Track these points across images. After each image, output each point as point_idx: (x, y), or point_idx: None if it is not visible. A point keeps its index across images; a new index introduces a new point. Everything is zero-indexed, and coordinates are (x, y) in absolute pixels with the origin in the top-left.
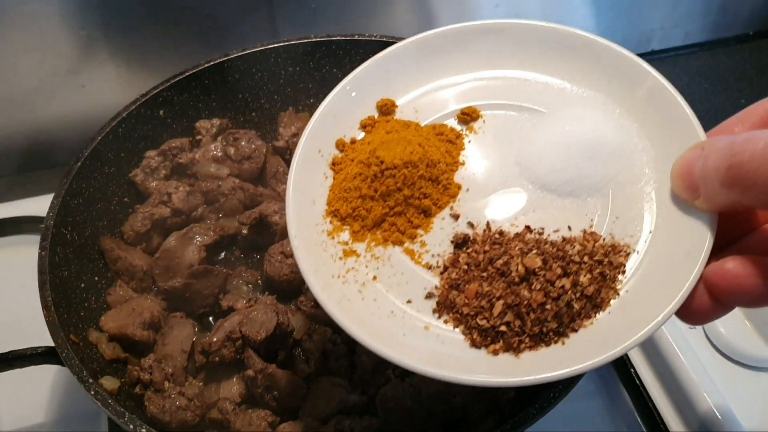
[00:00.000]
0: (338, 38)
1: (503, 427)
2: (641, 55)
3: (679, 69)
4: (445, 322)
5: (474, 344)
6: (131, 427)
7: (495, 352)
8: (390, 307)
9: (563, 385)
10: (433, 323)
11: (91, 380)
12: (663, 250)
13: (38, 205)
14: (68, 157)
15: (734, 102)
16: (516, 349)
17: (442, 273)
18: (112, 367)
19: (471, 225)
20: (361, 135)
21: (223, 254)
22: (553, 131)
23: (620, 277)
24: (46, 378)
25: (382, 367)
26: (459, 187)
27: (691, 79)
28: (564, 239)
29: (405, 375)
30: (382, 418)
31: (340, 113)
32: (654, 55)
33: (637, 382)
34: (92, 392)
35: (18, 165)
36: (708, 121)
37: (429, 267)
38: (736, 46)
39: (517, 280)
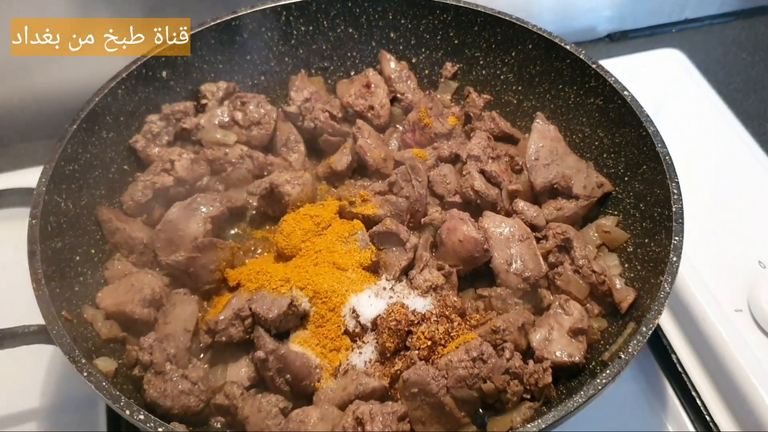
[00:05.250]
0: None
1: (545, 417)
2: (673, 24)
3: (713, 39)
4: None
5: None
6: (127, 412)
7: None
8: None
9: (615, 370)
10: None
11: (84, 361)
12: None
13: (32, 178)
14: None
15: None
16: None
17: None
18: (109, 348)
19: None
20: None
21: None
22: None
23: None
24: (42, 359)
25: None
26: None
27: (726, 50)
28: None
29: (429, 356)
30: (404, 405)
31: None
32: (687, 24)
33: (679, 369)
34: (85, 374)
35: (11, 135)
36: (746, 94)
37: None
38: None
39: None
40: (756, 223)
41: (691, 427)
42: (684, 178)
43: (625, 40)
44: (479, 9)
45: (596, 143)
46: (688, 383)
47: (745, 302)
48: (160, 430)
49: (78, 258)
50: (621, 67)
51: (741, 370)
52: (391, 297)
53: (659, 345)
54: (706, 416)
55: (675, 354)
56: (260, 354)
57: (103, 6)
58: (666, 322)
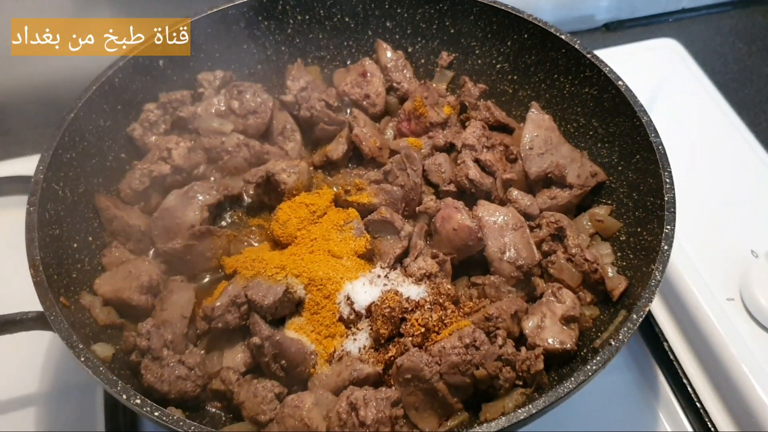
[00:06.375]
0: None
1: (535, 403)
2: (670, 14)
3: (710, 29)
4: None
5: None
6: (124, 396)
7: None
8: None
9: (605, 357)
10: None
11: (81, 346)
12: None
13: (30, 165)
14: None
15: None
16: None
17: None
18: (107, 334)
19: None
20: None
21: (228, 216)
22: None
23: None
24: (41, 345)
25: (398, 335)
26: None
27: (723, 40)
28: None
29: (423, 343)
30: (397, 391)
31: None
32: (684, 13)
33: (671, 357)
34: (82, 359)
35: (10, 123)
36: (742, 84)
37: None
38: None
39: None
40: (749, 213)
41: (682, 415)
42: (679, 168)
43: (622, 29)
44: None
45: (590, 133)
46: (679, 371)
47: (737, 291)
48: (156, 414)
49: (76, 245)
50: (617, 57)
51: (732, 358)
52: (385, 284)
53: (651, 333)
54: (697, 404)
55: (667, 342)
56: (256, 340)
57: (102, 5)
58: (658, 310)
